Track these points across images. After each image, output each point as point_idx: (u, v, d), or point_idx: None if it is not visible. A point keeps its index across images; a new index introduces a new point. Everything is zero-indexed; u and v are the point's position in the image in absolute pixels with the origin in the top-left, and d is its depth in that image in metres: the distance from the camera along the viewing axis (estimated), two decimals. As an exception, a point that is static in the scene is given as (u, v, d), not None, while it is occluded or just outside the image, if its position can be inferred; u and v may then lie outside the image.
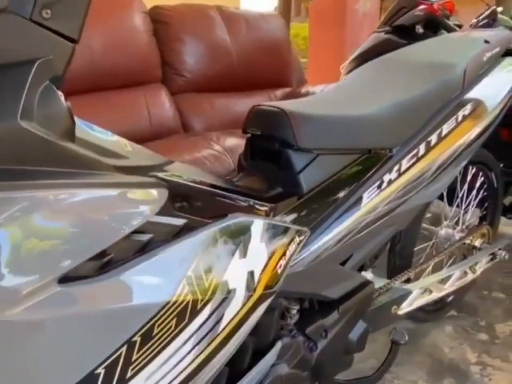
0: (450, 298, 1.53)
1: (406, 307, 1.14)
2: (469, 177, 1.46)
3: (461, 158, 1.04)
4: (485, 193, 1.56)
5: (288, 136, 0.82)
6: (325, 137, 0.85)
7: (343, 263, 0.94)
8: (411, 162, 0.93)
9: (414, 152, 0.94)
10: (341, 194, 0.86)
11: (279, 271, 0.75)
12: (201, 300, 0.60)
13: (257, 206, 0.80)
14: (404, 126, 0.93)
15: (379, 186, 0.89)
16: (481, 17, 2.26)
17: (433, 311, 1.51)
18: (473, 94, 1.04)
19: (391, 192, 0.91)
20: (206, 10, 2.25)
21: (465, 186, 1.47)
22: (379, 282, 1.15)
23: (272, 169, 0.87)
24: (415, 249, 1.43)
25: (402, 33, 2.09)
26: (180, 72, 2.15)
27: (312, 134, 0.84)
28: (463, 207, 1.48)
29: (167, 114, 2.06)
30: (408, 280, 1.29)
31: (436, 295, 1.23)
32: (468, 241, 1.42)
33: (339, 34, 3.17)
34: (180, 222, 0.64)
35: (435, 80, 0.98)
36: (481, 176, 1.52)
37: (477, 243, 1.42)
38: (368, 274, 1.22)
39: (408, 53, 1.16)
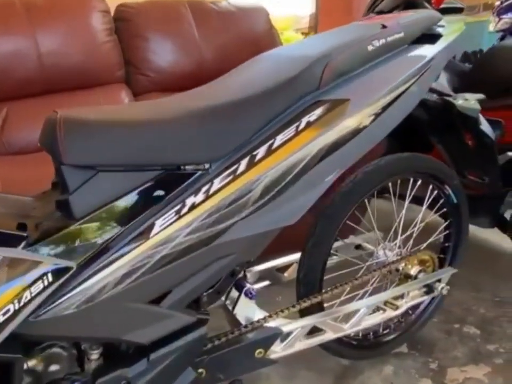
0: (391, 336, 1.28)
1: (281, 350, 0.95)
2: (409, 192, 1.21)
3: (322, 171, 0.81)
4: (445, 210, 1.30)
5: (55, 148, 0.68)
6: (107, 150, 0.70)
7: (158, 301, 0.78)
8: (225, 181, 0.74)
9: (233, 168, 0.75)
10: (125, 221, 0.71)
11: (1, 319, 0.61)
12: None
13: (2, 236, 0.67)
14: (227, 136, 0.75)
15: (178, 212, 0.72)
16: None
17: (367, 348, 1.27)
18: (336, 93, 0.81)
19: (194, 218, 0.72)
20: (175, 6, 2.13)
21: (406, 203, 1.22)
22: (249, 319, 0.97)
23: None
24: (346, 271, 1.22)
25: None
26: (143, 71, 2.06)
27: (85, 146, 0.69)
28: (401, 227, 1.23)
29: (125, 116, 1.97)
30: (321, 309, 1.09)
31: (330, 336, 1.01)
32: (400, 268, 1.17)
33: (346, 22, 2.94)
34: None
35: (280, 78, 0.78)
36: (433, 190, 1.26)
37: (413, 271, 1.17)
38: (250, 306, 1.04)
39: (292, 45, 0.96)
